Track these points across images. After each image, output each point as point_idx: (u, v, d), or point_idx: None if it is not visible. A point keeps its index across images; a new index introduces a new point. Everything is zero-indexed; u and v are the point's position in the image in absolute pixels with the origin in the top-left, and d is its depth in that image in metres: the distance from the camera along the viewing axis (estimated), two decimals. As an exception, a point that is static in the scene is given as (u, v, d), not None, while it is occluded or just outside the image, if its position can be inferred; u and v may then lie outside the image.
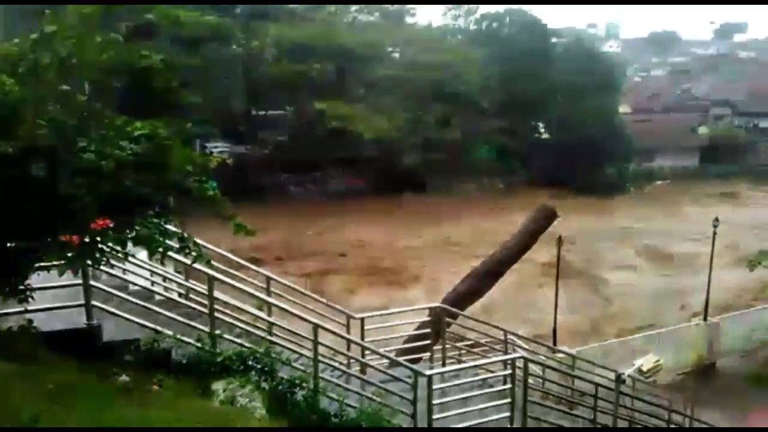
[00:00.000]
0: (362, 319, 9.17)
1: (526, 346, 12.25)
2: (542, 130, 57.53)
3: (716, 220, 17.69)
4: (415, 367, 7.85)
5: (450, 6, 61.88)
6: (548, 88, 53.76)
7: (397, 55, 54.35)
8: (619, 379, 8.49)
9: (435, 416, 7.07)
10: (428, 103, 49.57)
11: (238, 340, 6.58)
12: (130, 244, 3.96)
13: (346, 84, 50.77)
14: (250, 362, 6.18)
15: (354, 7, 54.13)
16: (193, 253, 4.15)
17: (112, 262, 5.37)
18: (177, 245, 4.10)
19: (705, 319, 17.11)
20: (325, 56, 45.95)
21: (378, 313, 9.83)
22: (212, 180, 4.13)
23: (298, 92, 48.81)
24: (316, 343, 6.59)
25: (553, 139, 54.11)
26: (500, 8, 58.21)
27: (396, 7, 55.10)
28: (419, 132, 49.67)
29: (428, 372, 7.31)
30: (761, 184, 54.25)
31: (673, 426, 10.68)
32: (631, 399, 10.49)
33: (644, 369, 8.85)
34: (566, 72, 52.97)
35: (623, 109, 65.30)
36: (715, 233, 17.41)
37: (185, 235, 4.08)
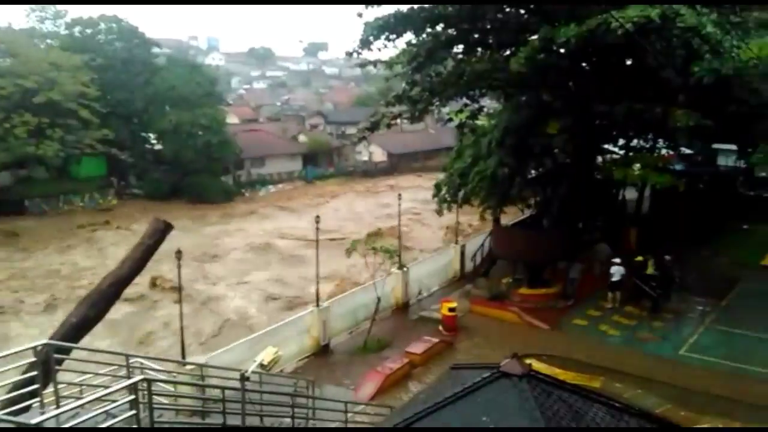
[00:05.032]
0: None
1: (156, 366, 11.85)
2: (154, 141, 55.95)
3: (317, 217, 19.82)
4: (17, 418, 6.82)
5: (34, 7, 55.19)
6: (153, 98, 52.62)
7: (-33, 57, 46.04)
8: (243, 378, 8.88)
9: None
10: (15, 113, 43.31)
11: None
12: None
13: None
14: None
15: None
16: None
17: None
18: None
19: (317, 305, 19.08)
20: None
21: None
22: None
23: None
24: None
25: (166, 150, 53.11)
26: (93, 13, 54.41)
27: (-40, 2, 46.50)
28: (7, 147, 43.12)
29: (35, 420, 6.45)
30: (350, 182, 63.44)
31: (297, 408, 11.69)
32: (259, 394, 11.13)
33: (265, 362, 9.40)
34: (171, 82, 52.60)
35: (231, 119, 68.10)
36: (318, 228, 19.50)
37: None
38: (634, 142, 27.75)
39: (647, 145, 27.84)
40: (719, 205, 29.92)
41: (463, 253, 26.25)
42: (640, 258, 22.20)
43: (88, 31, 53.99)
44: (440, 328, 20.26)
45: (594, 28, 15.50)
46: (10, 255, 35.85)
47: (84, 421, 7.68)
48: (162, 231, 12.33)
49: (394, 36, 20.48)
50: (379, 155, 70.13)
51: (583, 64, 22.06)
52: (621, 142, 27.83)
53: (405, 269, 22.63)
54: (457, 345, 19.29)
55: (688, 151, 34.01)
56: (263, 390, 11.64)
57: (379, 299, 19.94)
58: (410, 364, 17.71)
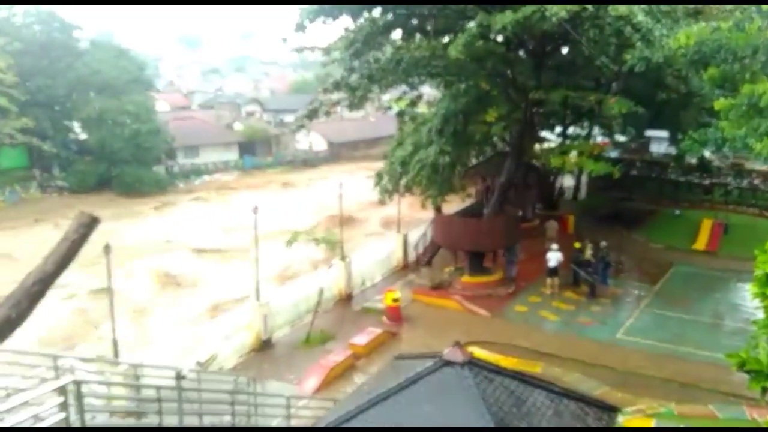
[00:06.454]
0: None
1: (88, 367, 11.25)
2: (78, 130, 53.24)
3: (255, 208, 19.03)
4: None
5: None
6: (77, 84, 49.93)
7: None
8: (179, 377, 8.44)
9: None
10: None
11: None
12: None
13: None
14: None
15: None
16: None
17: None
18: None
19: (258, 299, 18.54)
20: None
21: None
22: None
23: None
24: None
25: (91, 140, 50.59)
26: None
27: None
28: None
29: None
30: (291, 171, 61.96)
31: (238, 405, 11.29)
32: (198, 392, 10.67)
33: (202, 361, 9.03)
34: (95, 67, 50.02)
35: (162, 106, 65.58)
36: (256, 219, 18.80)
37: None
38: (571, 129, 28.39)
39: (583, 133, 28.51)
40: (652, 191, 31.06)
41: (405, 243, 26.20)
42: (577, 244, 22.72)
43: (3, 13, 50.74)
44: (384, 318, 20.15)
45: (529, 15, 15.59)
46: None
47: (18, 423, 7.17)
48: (88, 225, 11.61)
49: (330, 20, 20.02)
50: (319, 144, 69.27)
51: (520, 52, 22.26)
52: (558, 129, 28.41)
53: (347, 260, 22.35)
54: (401, 335, 19.21)
55: (622, 139, 35.11)
56: (201, 388, 11.18)
57: (321, 291, 19.60)
58: (354, 356, 17.51)
